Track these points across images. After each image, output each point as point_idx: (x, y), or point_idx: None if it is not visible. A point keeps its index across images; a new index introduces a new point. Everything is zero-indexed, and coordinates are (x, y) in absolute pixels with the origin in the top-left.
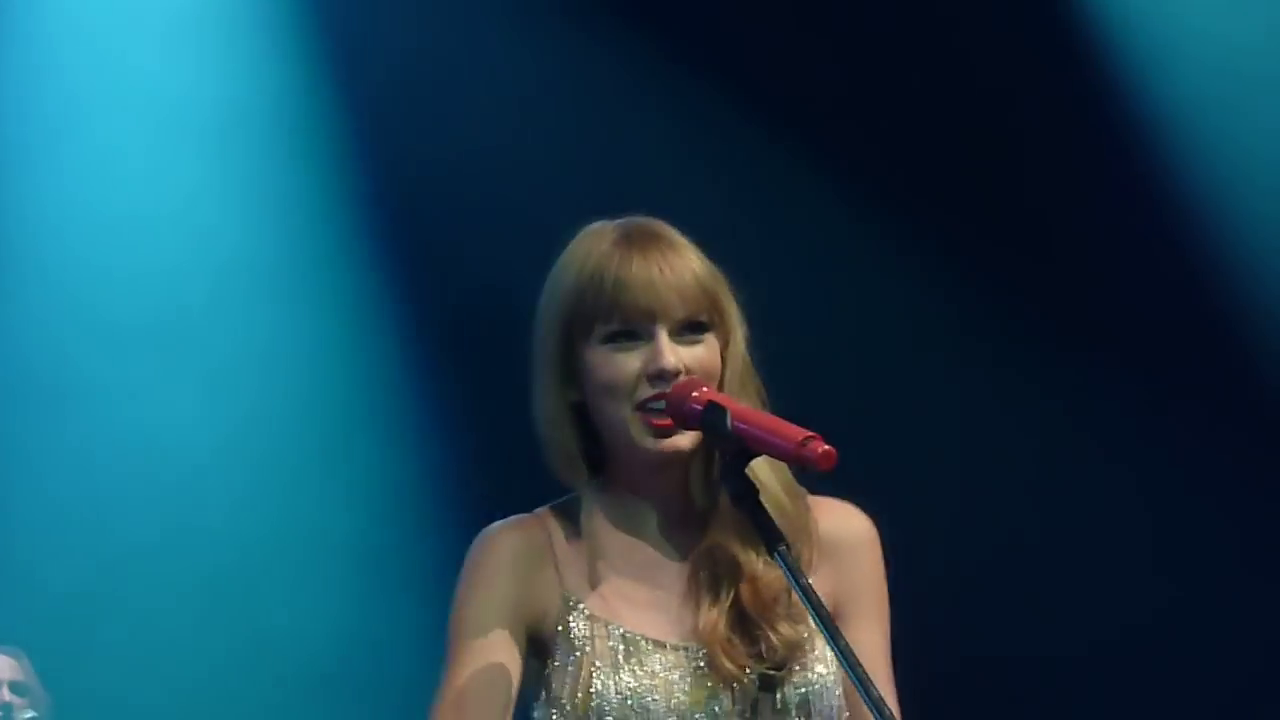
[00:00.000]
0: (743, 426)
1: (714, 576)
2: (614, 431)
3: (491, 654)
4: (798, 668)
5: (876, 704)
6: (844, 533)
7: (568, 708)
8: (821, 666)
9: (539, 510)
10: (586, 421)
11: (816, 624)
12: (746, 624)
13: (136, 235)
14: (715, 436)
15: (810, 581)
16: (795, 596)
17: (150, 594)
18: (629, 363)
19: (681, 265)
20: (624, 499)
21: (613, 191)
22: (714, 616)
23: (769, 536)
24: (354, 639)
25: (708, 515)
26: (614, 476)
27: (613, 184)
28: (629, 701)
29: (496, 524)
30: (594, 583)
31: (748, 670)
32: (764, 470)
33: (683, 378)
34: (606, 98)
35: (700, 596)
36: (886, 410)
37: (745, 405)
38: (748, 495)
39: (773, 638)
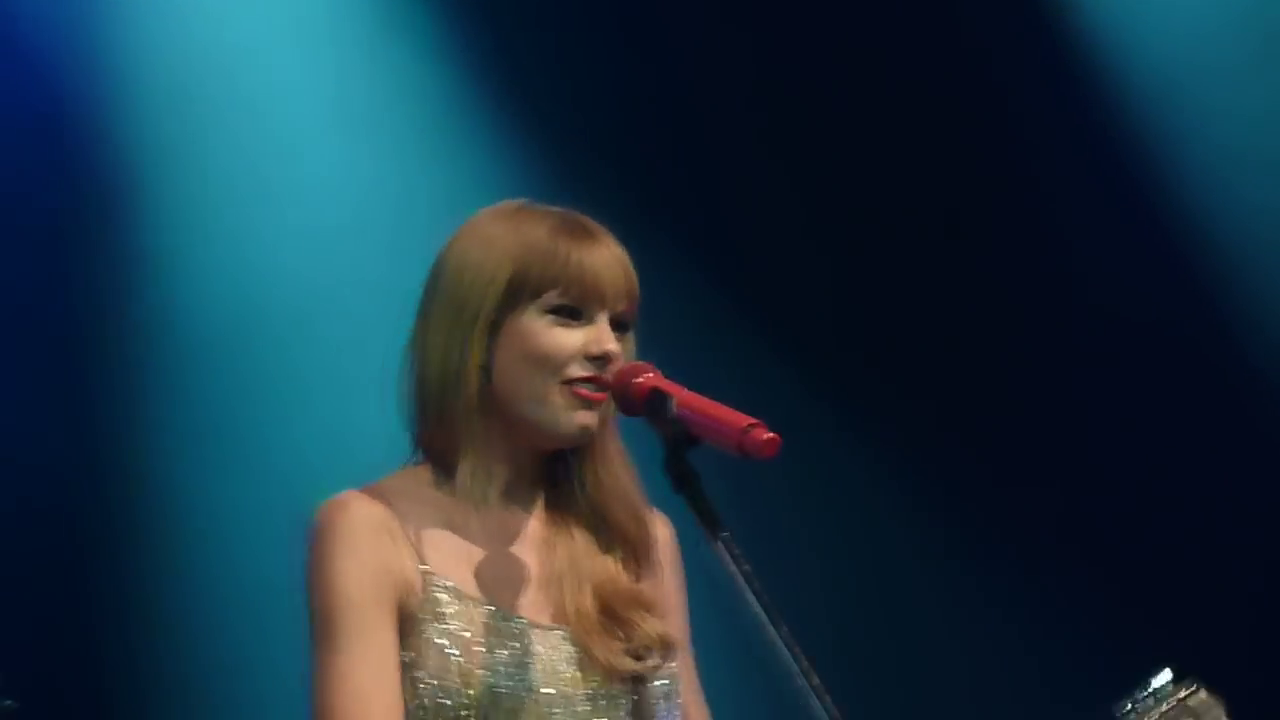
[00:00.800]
0: (687, 412)
1: (582, 565)
2: (522, 400)
3: (378, 633)
4: (665, 661)
5: (817, 691)
6: (662, 538)
7: (450, 687)
8: (674, 661)
9: (375, 483)
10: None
11: (758, 611)
12: (614, 618)
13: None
14: (658, 421)
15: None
16: (649, 593)
17: None
18: (569, 338)
19: (628, 263)
20: (490, 473)
21: None
22: (584, 605)
23: (711, 523)
24: None
25: (577, 502)
26: (494, 448)
27: None
28: (514, 681)
29: (344, 493)
30: (455, 558)
31: (624, 664)
32: (620, 467)
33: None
34: None
35: (565, 582)
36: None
37: (689, 392)
38: (689, 482)
39: (642, 633)
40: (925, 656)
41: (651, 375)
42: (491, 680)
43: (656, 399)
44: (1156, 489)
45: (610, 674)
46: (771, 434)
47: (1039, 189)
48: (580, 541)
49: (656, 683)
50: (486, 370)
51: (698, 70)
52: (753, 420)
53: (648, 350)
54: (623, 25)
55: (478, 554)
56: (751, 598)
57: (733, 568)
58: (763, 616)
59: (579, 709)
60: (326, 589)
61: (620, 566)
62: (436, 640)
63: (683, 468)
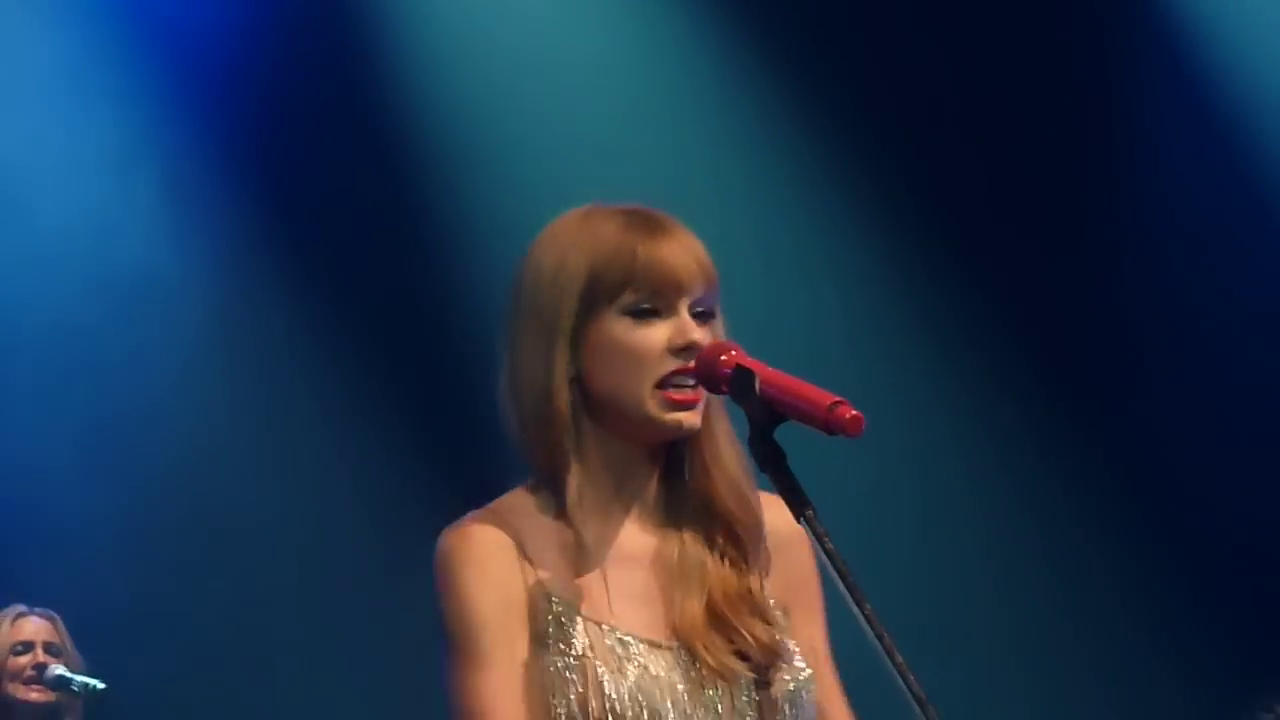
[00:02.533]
0: (771, 390)
1: (689, 570)
2: (623, 406)
3: (510, 653)
4: (784, 664)
5: (901, 670)
6: (785, 527)
7: (573, 713)
8: (801, 662)
9: (491, 505)
10: (578, 400)
11: (843, 590)
12: (722, 623)
13: None
14: (743, 400)
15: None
16: (762, 597)
17: None
18: (654, 335)
19: (700, 251)
20: (607, 484)
21: None
22: (692, 613)
23: (796, 501)
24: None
25: (684, 504)
26: (597, 460)
27: None
28: (639, 703)
29: (464, 520)
30: (570, 578)
31: (735, 669)
32: (728, 454)
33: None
34: None
35: (673, 592)
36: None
37: (773, 369)
38: (775, 459)
39: (749, 639)
40: (1014, 644)
41: (735, 353)
42: (612, 703)
43: (741, 377)
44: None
45: (723, 678)
46: (856, 411)
47: (1154, 211)
48: (689, 543)
49: (779, 686)
50: (578, 381)
51: None
52: (837, 398)
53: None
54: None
55: (591, 573)
56: (836, 576)
57: (818, 547)
58: (848, 595)
59: (705, 714)
60: (461, 612)
61: (729, 564)
62: (557, 664)
63: (768, 446)
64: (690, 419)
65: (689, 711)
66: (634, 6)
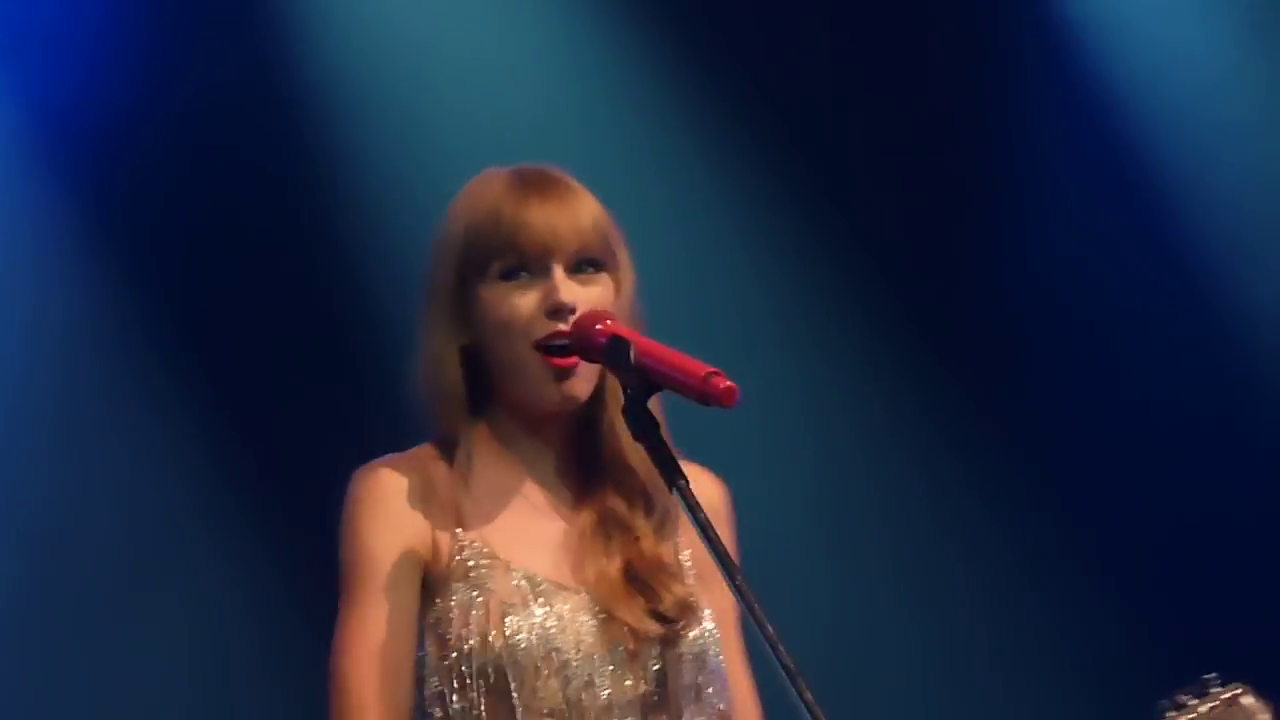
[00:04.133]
0: (647, 360)
1: (604, 530)
2: (510, 372)
3: (398, 594)
4: (694, 623)
5: (771, 642)
6: (704, 497)
7: (472, 646)
8: (709, 622)
9: (411, 450)
10: (475, 365)
11: (715, 560)
12: (638, 581)
13: None
14: (618, 369)
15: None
16: (676, 557)
17: None
18: (525, 298)
19: (577, 205)
20: (511, 441)
21: None
22: (607, 567)
23: (670, 471)
24: None
25: (597, 466)
26: (500, 419)
27: None
28: (540, 642)
29: (378, 460)
30: (483, 521)
31: (649, 628)
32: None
33: (581, 311)
34: None
35: (590, 546)
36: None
37: (649, 340)
38: (650, 429)
39: (665, 596)
40: (914, 624)
41: (610, 323)
42: (516, 639)
43: (616, 346)
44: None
45: (635, 635)
46: (730, 383)
47: (1043, 189)
48: (605, 505)
49: (685, 645)
50: (470, 349)
51: None
52: (712, 369)
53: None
54: None
55: (505, 518)
56: (708, 546)
57: (690, 515)
58: (720, 564)
59: (603, 668)
60: (352, 549)
61: (644, 526)
62: (463, 599)
63: (643, 415)
64: (572, 387)
65: (591, 654)
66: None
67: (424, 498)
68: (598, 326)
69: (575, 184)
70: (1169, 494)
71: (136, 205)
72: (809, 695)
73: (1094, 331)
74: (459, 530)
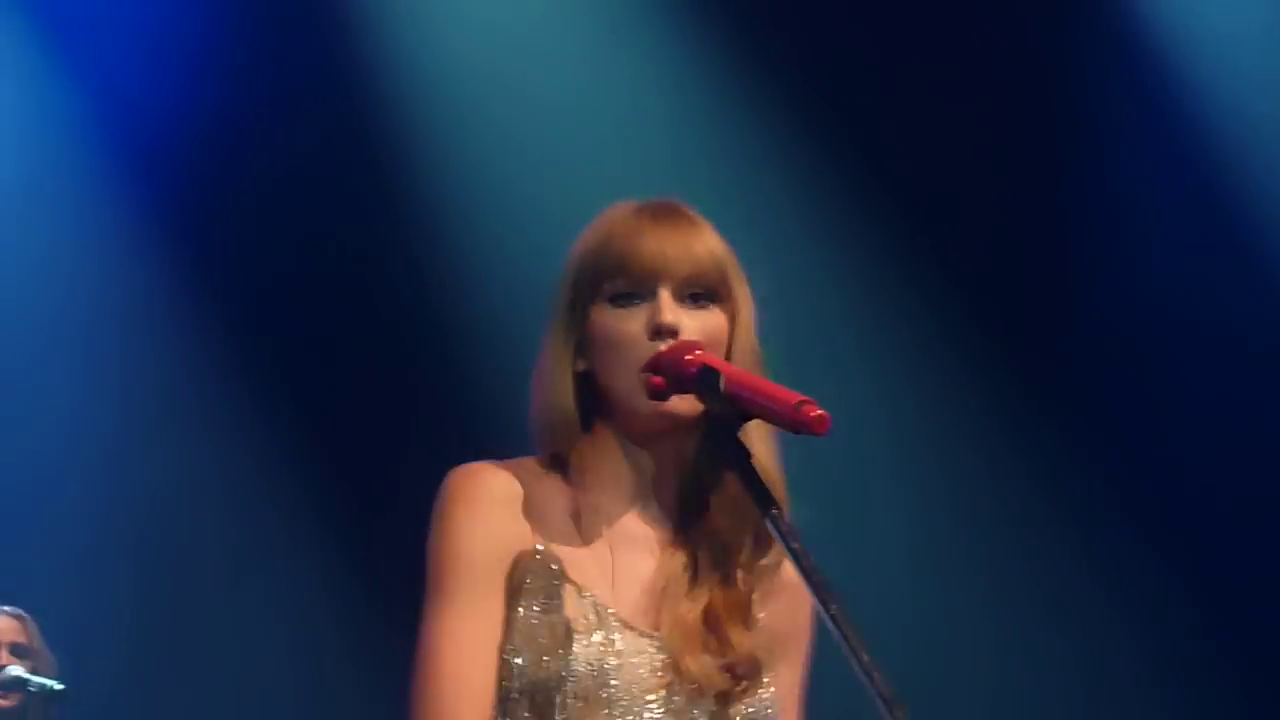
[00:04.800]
0: (737, 389)
1: (693, 573)
2: (617, 394)
3: (490, 597)
4: (755, 686)
5: (867, 669)
6: (792, 572)
7: (525, 664)
8: (768, 694)
9: (511, 460)
10: (588, 390)
11: (809, 589)
12: (717, 629)
13: None
14: (709, 398)
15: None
16: (755, 610)
17: None
18: (632, 321)
19: (693, 234)
20: (615, 472)
21: None
22: (688, 614)
23: (761, 499)
24: None
25: (705, 506)
26: (608, 444)
27: None
28: (593, 672)
29: (476, 463)
30: (569, 541)
31: (714, 679)
32: (761, 451)
33: (685, 338)
34: None
35: (673, 589)
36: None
37: (738, 368)
38: (740, 459)
39: (737, 650)
40: (998, 645)
41: (700, 353)
42: (572, 666)
43: (706, 376)
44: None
45: (699, 686)
46: (822, 410)
47: (1113, 189)
48: (701, 545)
49: (739, 708)
50: (585, 374)
51: None
52: (803, 397)
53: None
54: None
55: (593, 543)
56: (801, 575)
57: (782, 543)
58: (813, 594)
59: (653, 713)
60: (448, 550)
61: (735, 572)
62: (528, 615)
63: (733, 445)
64: (665, 406)
65: (643, 696)
66: (622, 8)
67: (518, 505)
68: (686, 356)
69: (696, 215)
70: (1250, 503)
71: (214, 211)
72: None
73: (1178, 340)
74: (540, 545)
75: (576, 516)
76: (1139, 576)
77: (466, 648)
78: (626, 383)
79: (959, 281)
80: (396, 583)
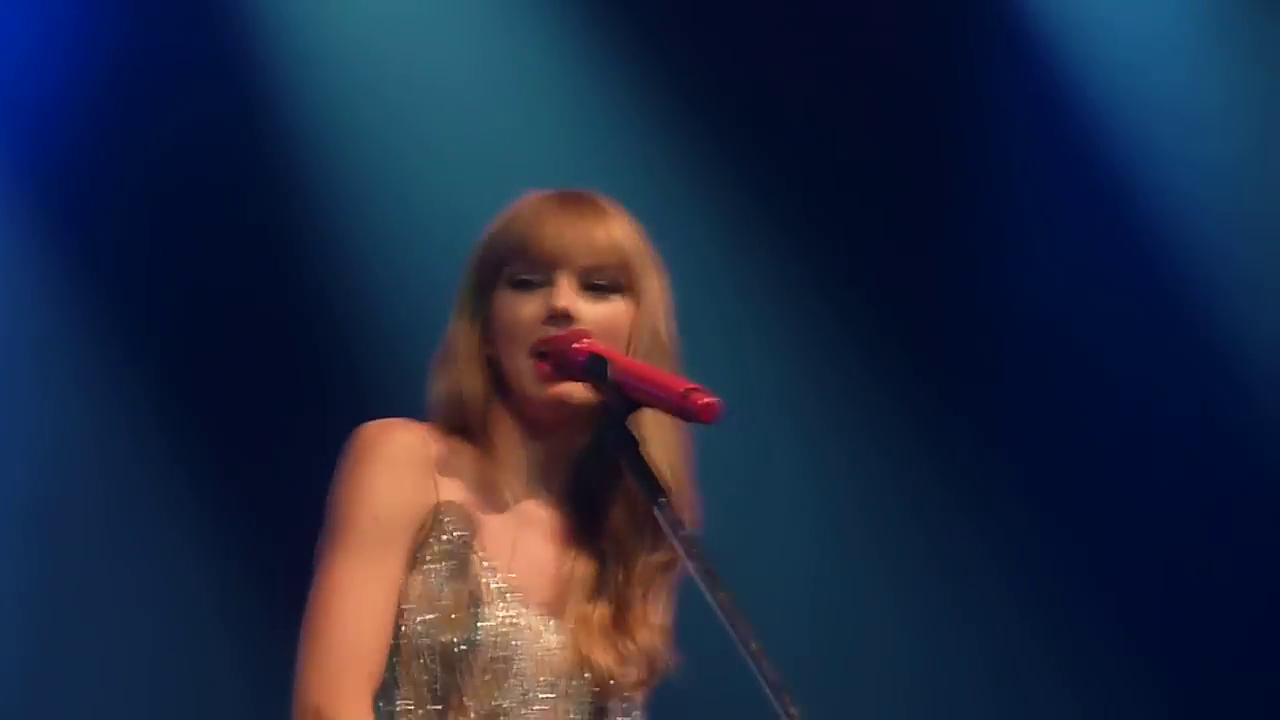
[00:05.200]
0: (625, 377)
1: (598, 567)
2: (512, 377)
3: (385, 554)
4: (653, 681)
5: (756, 657)
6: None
7: (426, 626)
8: (643, 693)
9: (417, 420)
10: (494, 376)
11: (698, 576)
12: (622, 628)
13: None
14: (599, 387)
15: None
16: (655, 608)
17: None
18: (528, 305)
19: (598, 222)
20: (519, 457)
21: None
22: (594, 613)
23: (650, 488)
24: None
25: (593, 496)
26: (511, 434)
27: None
28: (498, 643)
29: (389, 419)
30: (476, 510)
31: (615, 672)
32: (657, 441)
33: (576, 327)
34: None
35: (578, 583)
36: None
37: (628, 357)
38: (628, 446)
39: (636, 644)
40: (901, 632)
41: (589, 340)
42: (474, 635)
43: (595, 364)
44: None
45: (603, 680)
46: (712, 398)
47: (1017, 192)
48: (601, 542)
49: (622, 702)
50: (492, 359)
51: None
52: (692, 384)
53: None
54: None
55: (495, 519)
56: (690, 564)
57: (669, 533)
58: (701, 582)
59: (545, 693)
60: (351, 502)
61: (636, 576)
62: (434, 580)
63: (621, 433)
64: (555, 390)
65: (536, 673)
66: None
67: (429, 464)
68: (575, 344)
69: (607, 204)
70: (1147, 497)
71: (115, 212)
72: (794, 711)
73: (1070, 334)
74: (448, 508)
75: (483, 487)
76: (1045, 572)
77: (360, 605)
78: (519, 366)
79: (862, 275)
80: (282, 577)
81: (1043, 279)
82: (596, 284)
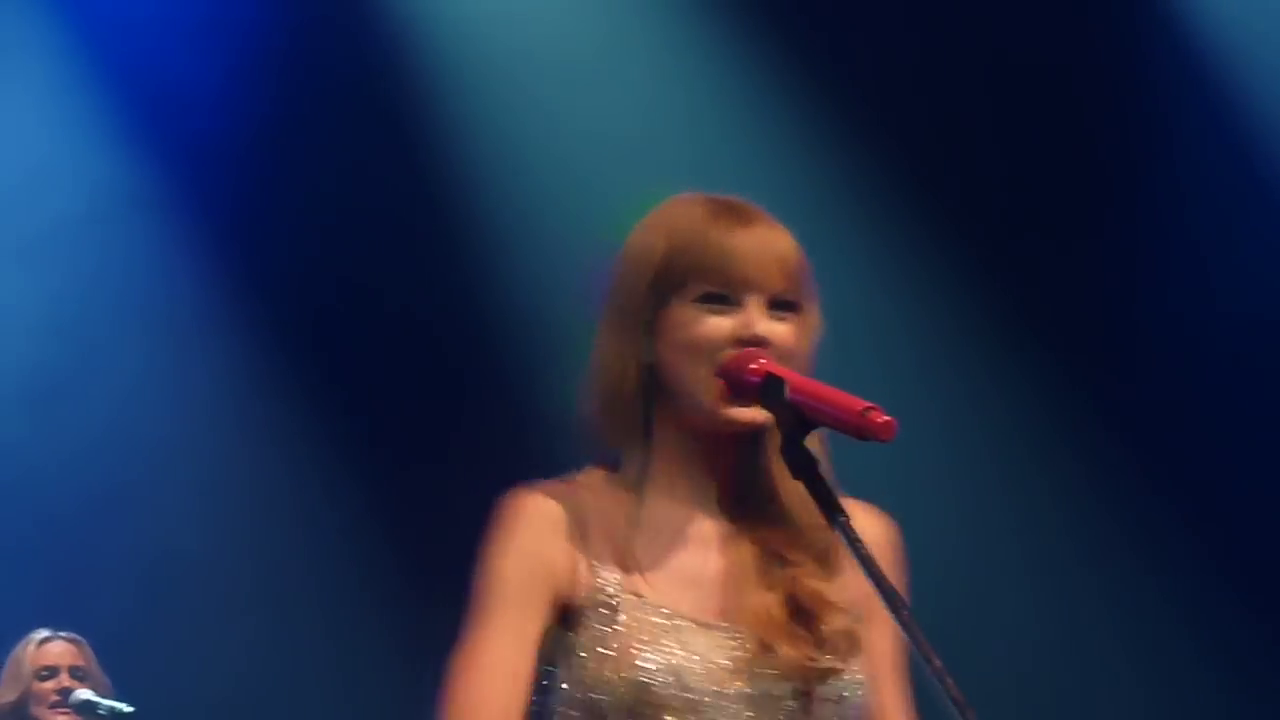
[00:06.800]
0: (802, 397)
1: (764, 564)
2: (686, 393)
3: (519, 617)
4: (850, 663)
5: (939, 675)
6: (871, 534)
7: (606, 677)
8: (858, 665)
9: (570, 475)
10: (650, 385)
11: (878, 593)
12: (801, 613)
13: None
14: (774, 406)
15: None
16: (839, 594)
17: None
18: (720, 323)
19: (784, 242)
20: (675, 469)
21: None
22: (768, 600)
23: (829, 506)
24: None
25: (765, 499)
26: (667, 445)
27: None
28: (671, 678)
29: (528, 486)
30: (631, 554)
31: (810, 659)
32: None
33: (767, 351)
34: None
35: (749, 579)
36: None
37: (803, 376)
38: (807, 466)
39: (830, 628)
40: (1052, 648)
41: (765, 361)
42: (645, 678)
43: (771, 384)
44: None
45: (780, 673)
46: (889, 417)
47: (1177, 192)
48: (766, 539)
49: (830, 686)
50: (650, 367)
51: None
52: (869, 404)
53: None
54: None
55: (651, 550)
56: (871, 582)
57: (852, 550)
58: (883, 598)
59: (734, 710)
60: (484, 572)
61: (807, 562)
62: (596, 633)
63: (800, 453)
64: (744, 413)
65: (724, 696)
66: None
67: (570, 525)
68: (751, 365)
69: (777, 221)
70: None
71: (258, 214)
72: None
73: (1229, 340)
74: (597, 562)
75: (635, 523)
76: (1201, 588)
77: (487, 670)
78: (697, 384)
79: (1021, 287)
80: (440, 592)
81: (1213, 290)
82: (780, 306)
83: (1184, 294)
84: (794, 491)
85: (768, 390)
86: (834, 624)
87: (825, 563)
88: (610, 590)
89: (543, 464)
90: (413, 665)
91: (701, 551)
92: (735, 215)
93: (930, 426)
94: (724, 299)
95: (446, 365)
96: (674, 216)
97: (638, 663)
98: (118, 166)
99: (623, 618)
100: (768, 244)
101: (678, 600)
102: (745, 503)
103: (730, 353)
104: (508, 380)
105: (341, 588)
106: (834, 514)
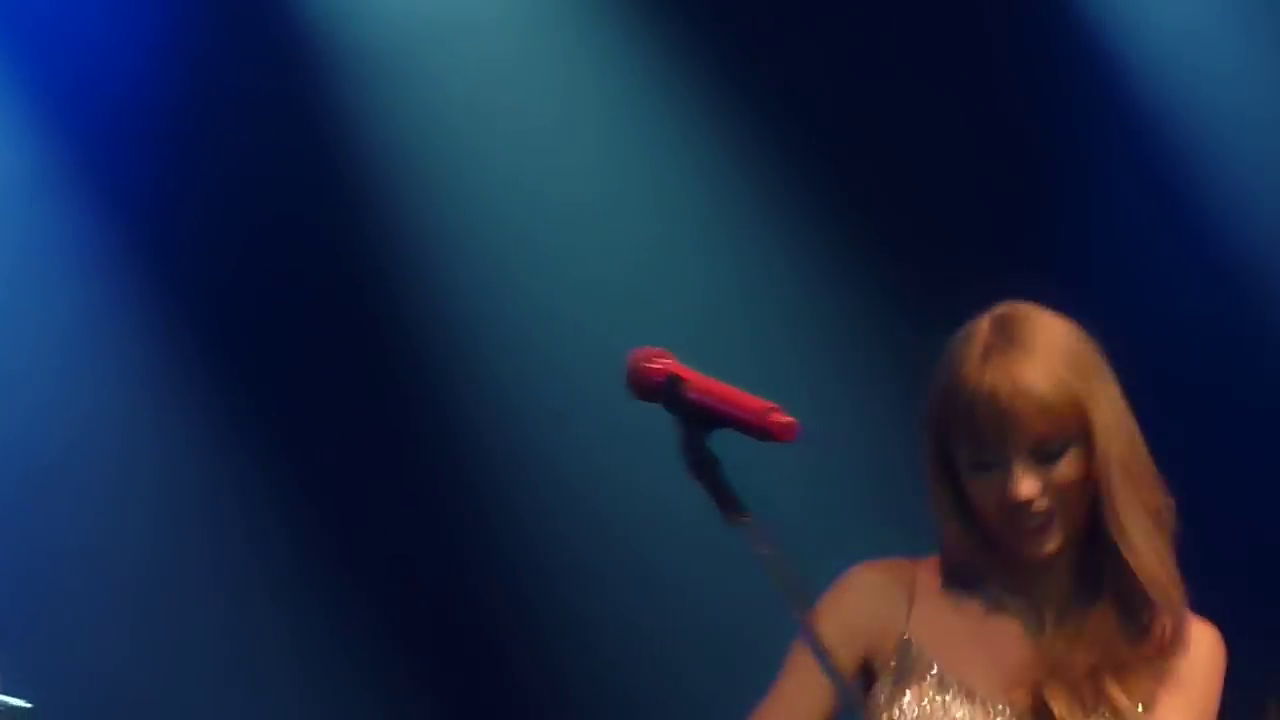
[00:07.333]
0: (703, 397)
1: (1077, 634)
2: (996, 537)
3: (819, 676)
4: None
5: (830, 671)
6: (1200, 648)
7: None
8: None
9: (923, 555)
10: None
11: (784, 595)
12: (1094, 683)
13: None
14: (675, 408)
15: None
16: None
17: None
18: (989, 493)
19: (1036, 379)
20: (995, 568)
21: None
22: (1074, 662)
23: (731, 507)
24: None
25: (1082, 603)
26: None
27: None
28: None
29: (874, 560)
30: (938, 628)
31: None
32: (1138, 540)
33: (1039, 502)
34: None
35: (1054, 646)
36: None
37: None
38: (706, 466)
39: (1109, 705)
40: None
41: (667, 361)
42: None
43: (672, 385)
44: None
45: None
46: (790, 418)
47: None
48: (1094, 613)
49: None
50: (963, 509)
51: None
52: (771, 404)
53: None
54: None
55: (963, 631)
56: (775, 581)
57: (754, 552)
58: (788, 599)
59: None
60: (813, 620)
61: (1128, 634)
62: (889, 697)
63: (701, 454)
64: (1042, 547)
65: None
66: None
67: (888, 593)
68: (653, 365)
69: (1042, 341)
70: (1211, 495)
71: (177, 216)
72: None
73: (1135, 333)
74: (909, 634)
75: (950, 604)
76: None
77: (780, 710)
78: (996, 531)
79: (936, 283)
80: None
81: (1111, 279)
82: (1045, 452)
83: (1096, 298)
84: (1136, 569)
85: (668, 390)
86: (1116, 700)
87: (1148, 639)
88: (908, 658)
89: (466, 465)
90: (313, 665)
91: (1005, 639)
92: (991, 355)
93: (848, 434)
94: (984, 464)
95: (364, 360)
96: (954, 353)
97: (892, 712)
98: (22, 149)
99: (913, 684)
100: (1024, 385)
101: (963, 669)
102: (1063, 605)
103: (1005, 522)
104: (426, 378)
105: (243, 588)
106: (736, 515)
